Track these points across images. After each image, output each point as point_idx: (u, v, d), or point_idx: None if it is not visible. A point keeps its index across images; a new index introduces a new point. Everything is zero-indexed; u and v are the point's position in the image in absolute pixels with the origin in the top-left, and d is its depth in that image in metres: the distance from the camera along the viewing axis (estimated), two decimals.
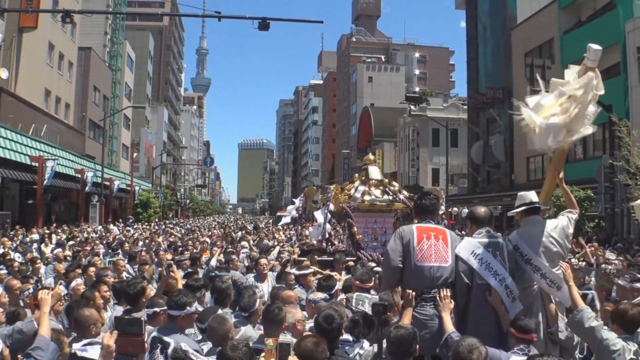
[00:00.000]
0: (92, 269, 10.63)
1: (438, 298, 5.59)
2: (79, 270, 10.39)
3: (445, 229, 6.22)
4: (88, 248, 17.71)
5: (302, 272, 9.19)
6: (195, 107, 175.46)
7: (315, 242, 13.26)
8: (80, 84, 53.14)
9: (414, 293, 5.61)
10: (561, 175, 6.66)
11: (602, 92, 6.14)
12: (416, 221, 6.31)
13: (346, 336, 5.47)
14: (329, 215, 12.12)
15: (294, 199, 16.28)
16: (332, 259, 10.94)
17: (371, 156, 13.33)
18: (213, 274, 9.78)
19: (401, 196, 12.02)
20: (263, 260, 10.93)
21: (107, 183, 46.07)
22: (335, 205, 12.05)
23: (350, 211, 11.68)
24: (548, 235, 6.18)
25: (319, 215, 12.14)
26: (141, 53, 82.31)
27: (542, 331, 5.79)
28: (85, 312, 5.74)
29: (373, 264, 9.74)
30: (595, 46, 6.06)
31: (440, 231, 6.08)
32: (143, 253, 15.15)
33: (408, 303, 5.59)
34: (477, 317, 5.69)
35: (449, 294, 5.61)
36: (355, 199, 11.84)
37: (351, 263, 10.59)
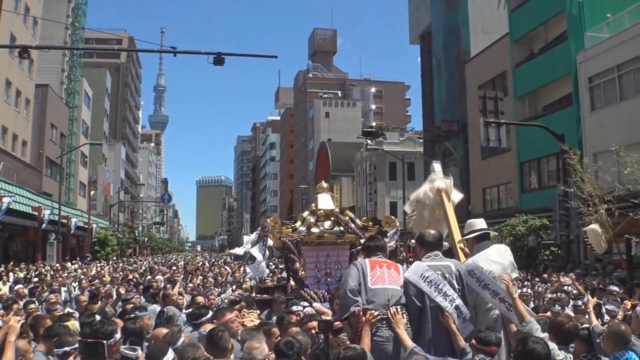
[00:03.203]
0: (32, 305, 10.72)
1: (389, 315, 5.69)
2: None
3: (397, 264, 6.37)
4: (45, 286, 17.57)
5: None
6: (152, 144, 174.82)
7: (257, 280, 12.80)
8: (38, 121, 52.56)
9: (376, 312, 5.68)
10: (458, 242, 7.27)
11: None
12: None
13: None
14: (267, 252, 11.38)
15: (245, 236, 15.02)
16: (270, 298, 10.19)
17: (324, 184, 12.06)
18: (133, 315, 8.49)
19: (352, 225, 10.80)
20: (199, 299, 11.15)
21: (65, 221, 45.49)
22: (274, 240, 10.94)
23: (292, 245, 10.61)
24: (503, 258, 6.37)
25: (256, 253, 10.93)
26: (98, 90, 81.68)
27: (505, 354, 5.82)
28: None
29: (295, 307, 8.66)
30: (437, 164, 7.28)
31: (392, 264, 6.27)
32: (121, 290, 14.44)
33: (368, 323, 5.62)
34: (430, 339, 5.75)
35: (399, 310, 5.74)
36: (300, 232, 10.67)
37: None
